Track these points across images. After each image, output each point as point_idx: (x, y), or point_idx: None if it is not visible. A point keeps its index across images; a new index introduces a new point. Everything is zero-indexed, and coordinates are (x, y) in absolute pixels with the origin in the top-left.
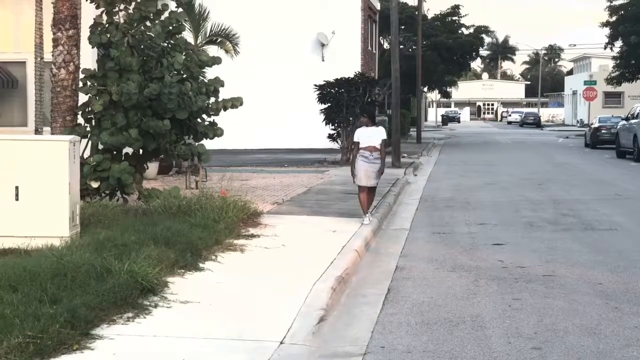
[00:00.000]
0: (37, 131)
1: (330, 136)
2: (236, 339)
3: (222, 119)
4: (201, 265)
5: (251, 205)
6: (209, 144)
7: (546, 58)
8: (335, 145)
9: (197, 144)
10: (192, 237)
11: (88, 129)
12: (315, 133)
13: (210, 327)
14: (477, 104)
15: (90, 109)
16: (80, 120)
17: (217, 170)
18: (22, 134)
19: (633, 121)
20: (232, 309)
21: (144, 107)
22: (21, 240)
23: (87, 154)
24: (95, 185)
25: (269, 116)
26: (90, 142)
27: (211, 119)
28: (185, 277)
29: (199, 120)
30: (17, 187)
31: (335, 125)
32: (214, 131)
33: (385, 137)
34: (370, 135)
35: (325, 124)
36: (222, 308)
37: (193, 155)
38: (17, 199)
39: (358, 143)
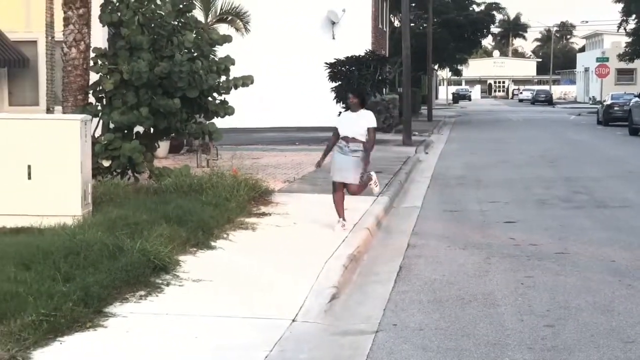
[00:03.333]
0: (49, 110)
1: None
2: (248, 317)
3: (233, 98)
4: (213, 243)
5: (262, 184)
6: (219, 122)
7: (558, 35)
8: None
9: (207, 122)
10: (203, 215)
11: (99, 107)
12: (326, 111)
13: (222, 305)
14: (488, 81)
15: (101, 87)
16: (92, 99)
17: (228, 148)
18: (33, 113)
19: None
20: (244, 287)
21: (155, 86)
22: (34, 219)
23: (98, 132)
24: (106, 164)
25: (280, 94)
26: (101, 121)
27: (222, 98)
28: (197, 256)
29: (209, 98)
30: (29, 166)
31: (346, 103)
32: (225, 109)
33: (374, 124)
34: (353, 122)
35: (336, 102)
36: (234, 286)
37: (204, 134)
38: (29, 178)
39: (337, 130)
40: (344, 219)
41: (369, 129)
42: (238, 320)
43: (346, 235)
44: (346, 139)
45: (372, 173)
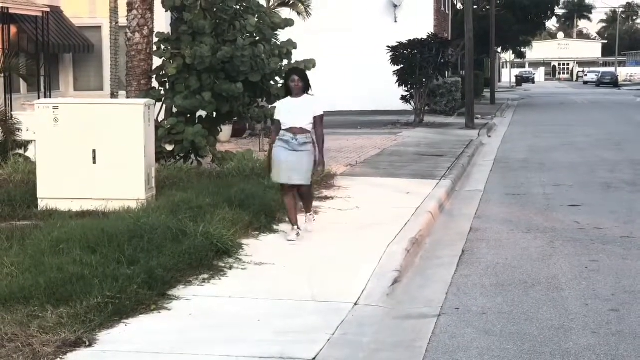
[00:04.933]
0: (113, 95)
1: (403, 98)
2: (310, 301)
3: None
4: (275, 227)
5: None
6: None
7: (624, 16)
8: (408, 107)
9: (270, 106)
10: (266, 199)
11: (162, 92)
12: (388, 95)
13: (284, 288)
14: (552, 64)
15: (164, 72)
16: (155, 83)
17: None
18: (98, 97)
19: None
20: (306, 271)
21: (217, 70)
22: (99, 203)
23: (161, 117)
24: (169, 148)
25: (342, 78)
26: (164, 106)
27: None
28: (259, 239)
29: (272, 82)
30: (94, 151)
31: (409, 86)
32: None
33: (321, 111)
34: (299, 110)
35: (398, 86)
36: (296, 270)
37: (266, 118)
38: (94, 162)
39: (279, 122)
40: (298, 227)
41: (315, 119)
42: (300, 303)
43: (408, 218)
44: (293, 130)
45: (312, 214)
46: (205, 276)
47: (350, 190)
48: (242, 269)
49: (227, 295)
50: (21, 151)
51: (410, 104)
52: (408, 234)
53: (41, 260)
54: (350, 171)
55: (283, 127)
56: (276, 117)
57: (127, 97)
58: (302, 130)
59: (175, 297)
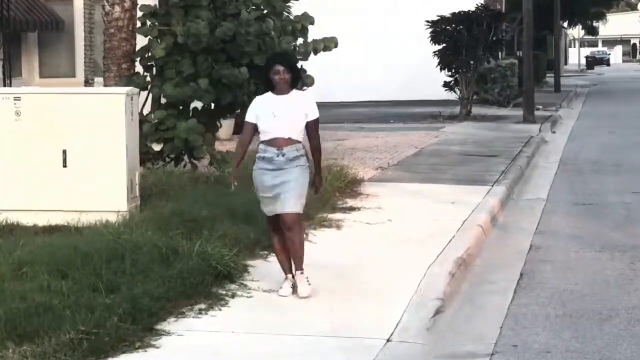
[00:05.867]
0: (87, 82)
1: (446, 85)
2: (331, 336)
3: (312, 65)
4: None
5: (349, 171)
6: None
7: None
8: (452, 96)
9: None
10: None
11: (148, 78)
12: (427, 81)
13: (298, 321)
14: (632, 41)
15: (150, 54)
16: (139, 68)
17: None
18: (69, 86)
19: None
20: (326, 300)
21: (216, 51)
22: (70, 216)
23: (147, 109)
24: (157, 147)
25: (370, 61)
26: (150, 95)
27: (299, 65)
28: (268, 260)
29: None
30: (64, 151)
31: (453, 70)
32: (303, 79)
33: (316, 113)
34: (283, 112)
35: (440, 70)
36: (314, 298)
37: None
38: (64, 166)
39: (255, 126)
40: (292, 275)
41: (309, 125)
42: (319, 340)
43: (453, 234)
44: (277, 142)
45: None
46: (202, 306)
47: (381, 199)
48: (247, 296)
49: (228, 329)
50: None
51: (454, 92)
52: (453, 253)
53: (0, 287)
54: (381, 175)
55: (262, 138)
56: (250, 119)
57: (105, 85)
58: (290, 141)
59: (165, 332)
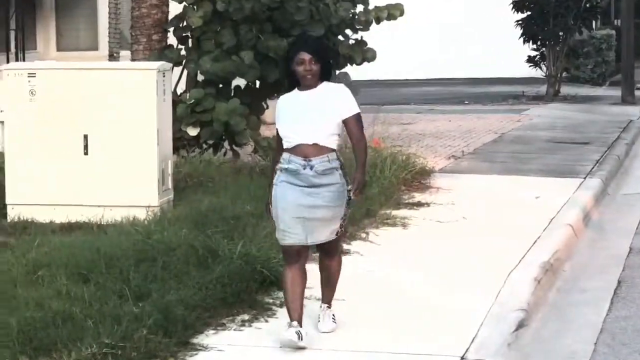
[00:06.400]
0: (112, 56)
1: (530, 60)
2: (397, 353)
3: (374, 37)
4: (345, 246)
5: (417, 161)
6: (354, 72)
7: None
8: (537, 73)
9: (338, 72)
10: None
11: (183, 52)
12: (509, 56)
13: (359, 335)
14: None
15: (185, 23)
16: (172, 40)
17: (366, 109)
18: (91, 60)
19: None
20: (390, 309)
21: (262, 21)
22: (92, 211)
23: (181, 88)
24: (193, 132)
25: (441, 32)
26: (185, 72)
27: (358, 36)
28: None
29: (340, 37)
30: (85, 137)
31: (538, 43)
32: (363, 53)
33: (355, 108)
34: (308, 113)
35: (524, 42)
36: (375, 307)
37: None
38: (85, 153)
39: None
40: (300, 324)
41: (347, 122)
42: (384, 357)
43: (538, 234)
44: (300, 150)
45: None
46: (246, 317)
47: (454, 194)
48: None
49: (276, 344)
50: None
51: (540, 68)
52: (538, 256)
53: (12, 293)
54: (454, 166)
55: (286, 146)
56: (277, 127)
57: (133, 60)
58: (319, 150)
59: (203, 347)
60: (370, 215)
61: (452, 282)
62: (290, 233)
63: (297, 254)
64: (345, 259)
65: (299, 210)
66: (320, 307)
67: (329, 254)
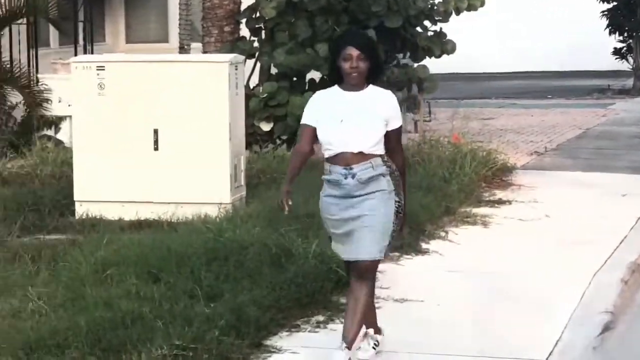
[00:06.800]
0: (183, 48)
1: (616, 52)
2: (477, 356)
3: (453, 28)
4: (424, 245)
5: (498, 157)
6: (433, 64)
7: None
8: (624, 65)
9: (416, 65)
10: (409, 203)
11: (256, 44)
12: (594, 49)
13: (437, 337)
14: None
15: (258, 14)
16: (245, 31)
17: (446, 104)
18: (161, 52)
19: None
20: (469, 311)
21: (338, 12)
22: (163, 208)
23: (254, 81)
24: (266, 127)
25: (522, 24)
26: (259, 64)
27: (437, 28)
28: (400, 263)
29: (418, 29)
30: (155, 132)
31: (625, 34)
32: (442, 45)
33: (399, 121)
34: (353, 116)
35: (610, 34)
36: (454, 308)
37: (410, 82)
38: (155, 149)
39: (314, 132)
40: (358, 342)
41: (391, 134)
42: None
43: (625, 234)
44: (343, 159)
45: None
46: (321, 318)
47: (537, 191)
48: (375, 306)
49: (354, 346)
50: (51, 132)
51: (627, 60)
52: (625, 256)
53: (81, 292)
54: (537, 162)
55: (327, 155)
56: (310, 123)
57: (204, 52)
58: (362, 157)
59: (276, 349)
60: (449, 213)
61: (534, 282)
62: (342, 247)
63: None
64: (424, 258)
65: (345, 224)
66: (360, 335)
67: (362, 277)
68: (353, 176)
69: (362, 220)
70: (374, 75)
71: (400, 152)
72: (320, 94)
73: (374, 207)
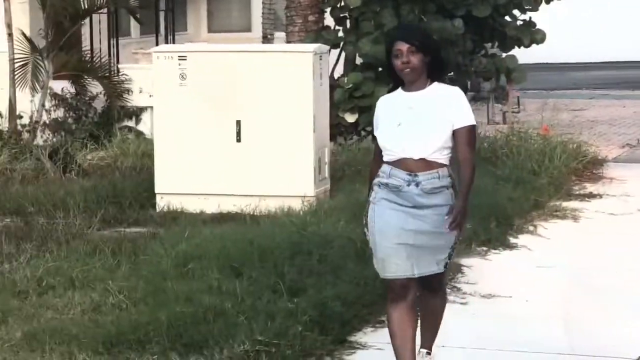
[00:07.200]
0: (266, 38)
1: None
2: (566, 354)
3: (543, 18)
4: (512, 240)
5: (589, 149)
6: (522, 55)
7: None
8: None
9: (504, 55)
10: (498, 196)
11: (341, 33)
12: None
13: (527, 334)
14: None
15: (343, 3)
16: (329, 20)
17: (535, 95)
18: (244, 42)
19: None
20: (558, 308)
21: (425, 0)
22: (245, 201)
23: (339, 71)
24: (351, 119)
25: (617, 10)
26: (343, 54)
27: (527, 17)
28: (487, 258)
29: (507, 18)
30: (238, 123)
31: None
32: (531, 35)
33: (470, 119)
34: (413, 119)
35: None
36: (543, 306)
37: (499, 73)
38: (238, 140)
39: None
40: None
41: (457, 133)
42: (551, 358)
43: None
44: (404, 164)
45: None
46: None
47: (629, 185)
48: (460, 302)
49: (439, 342)
50: (131, 123)
51: None
52: None
53: (162, 286)
54: (629, 155)
55: (386, 159)
56: (374, 131)
57: (288, 42)
58: (427, 165)
59: (361, 345)
60: (538, 207)
61: (625, 279)
62: (392, 263)
63: (403, 289)
64: (512, 253)
65: (402, 235)
66: (419, 352)
67: (433, 289)
68: (417, 184)
69: (426, 237)
70: (436, 71)
71: (469, 152)
72: (382, 99)
73: (439, 224)
